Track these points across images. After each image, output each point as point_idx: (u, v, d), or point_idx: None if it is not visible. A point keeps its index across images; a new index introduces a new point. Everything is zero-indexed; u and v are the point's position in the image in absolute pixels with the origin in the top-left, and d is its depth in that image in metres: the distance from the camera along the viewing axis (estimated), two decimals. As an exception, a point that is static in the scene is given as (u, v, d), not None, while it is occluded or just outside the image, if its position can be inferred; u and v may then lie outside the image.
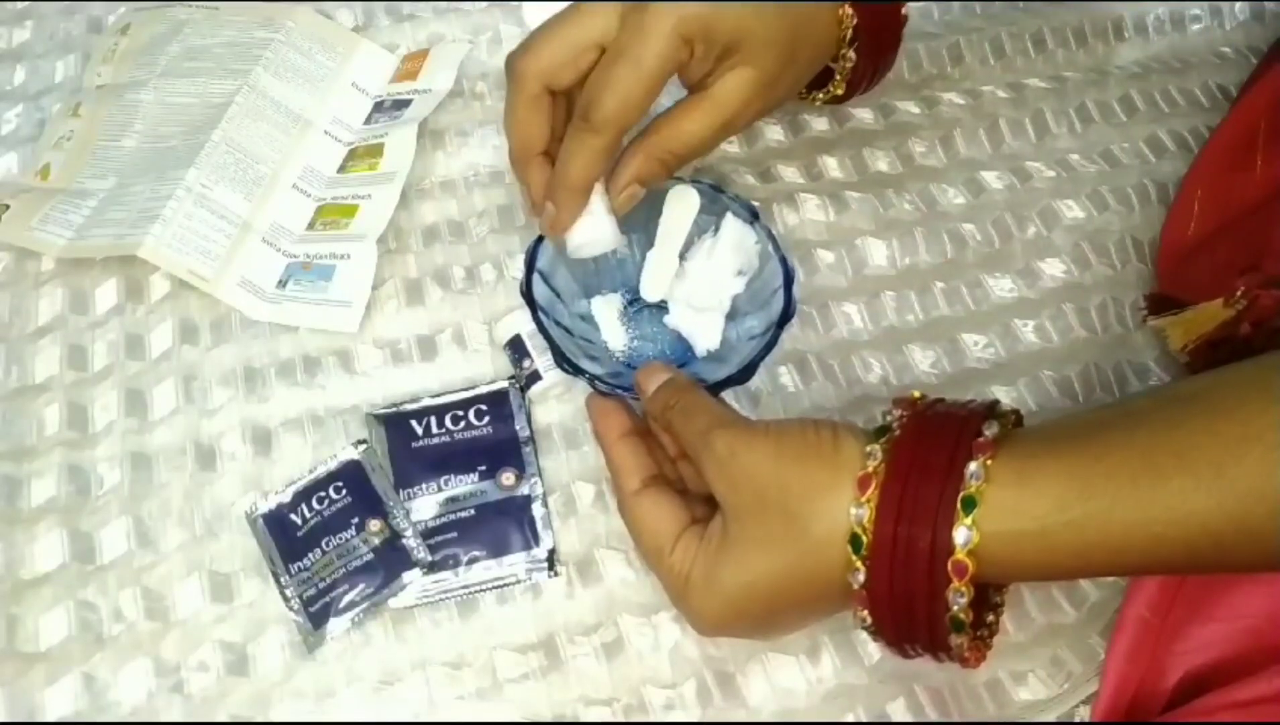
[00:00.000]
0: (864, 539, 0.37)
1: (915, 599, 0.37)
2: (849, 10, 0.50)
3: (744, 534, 0.40)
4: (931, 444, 0.37)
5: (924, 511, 0.36)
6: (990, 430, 0.37)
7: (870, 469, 0.37)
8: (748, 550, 0.40)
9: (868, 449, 0.38)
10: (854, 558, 0.37)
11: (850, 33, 0.51)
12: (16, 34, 0.68)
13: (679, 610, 0.44)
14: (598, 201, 0.49)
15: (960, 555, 0.36)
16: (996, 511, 0.36)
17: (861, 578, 0.37)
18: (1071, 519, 0.35)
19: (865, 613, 0.39)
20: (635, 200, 0.49)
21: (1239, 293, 0.48)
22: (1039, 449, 0.37)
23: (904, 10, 0.54)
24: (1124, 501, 0.35)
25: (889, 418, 0.39)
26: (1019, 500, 0.36)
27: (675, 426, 0.44)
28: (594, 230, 0.49)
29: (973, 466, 0.36)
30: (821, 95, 0.56)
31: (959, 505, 0.36)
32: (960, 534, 0.36)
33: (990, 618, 0.41)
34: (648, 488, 0.44)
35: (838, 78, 0.54)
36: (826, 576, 0.39)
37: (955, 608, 0.36)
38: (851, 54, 0.52)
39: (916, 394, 0.41)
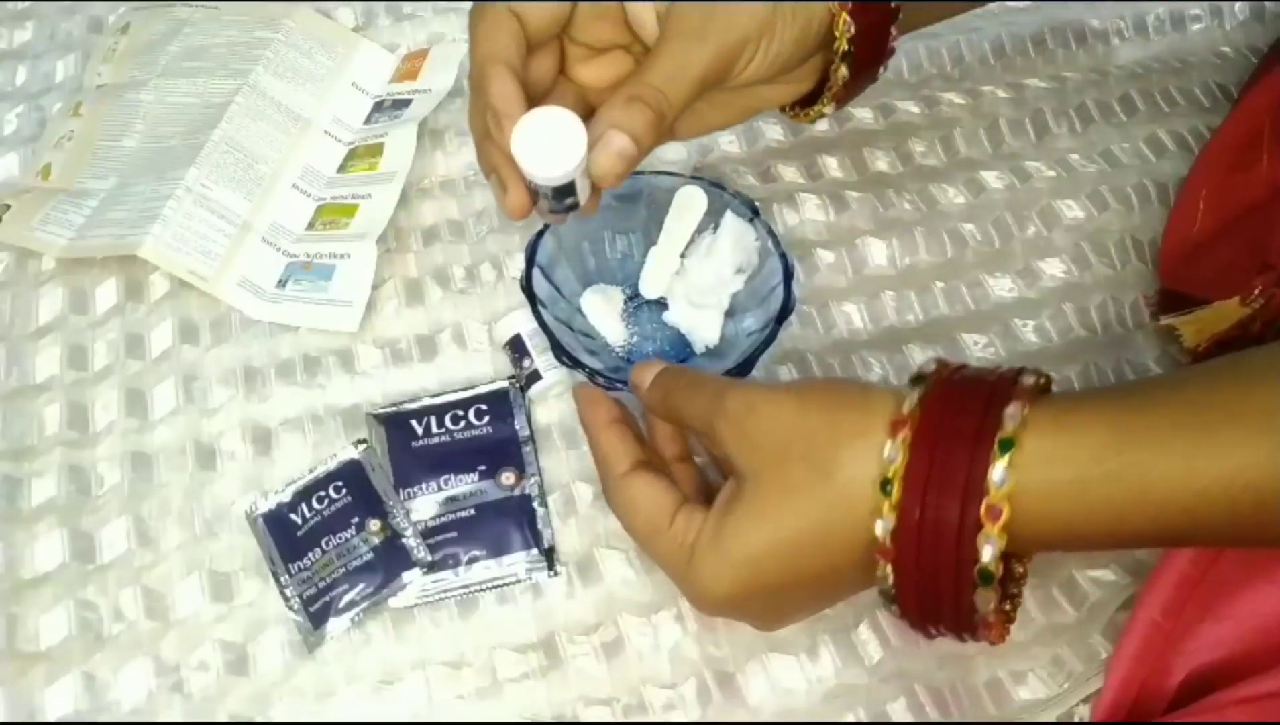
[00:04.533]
0: (894, 485, 0.35)
1: (943, 550, 0.35)
2: (847, 18, 0.44)
3: (760, 492, 0.38)
4: (969, 390, 0.36)
5: (959, 454, 0.34)
6: (1027, 380, 0.36)
7: (905, 412, 0.36)
8: (765, 507, 0.37)
9: (904, 394, 0.36)
10: (882, 501, 0.35)
11: (846, 45, 0.45)
12: (17, 34, 0.68)
13: (681, 588, 0.42)
14: (559, 110, 0.40)
15: (995, 498, 0.34)
16: (1033, 459, 0.34)
17: (889, 525, 0.35)
18: (1110, 470, 0.34)
19: (888, 568, 0.36)
20: (622, 162, 0.41)
21: (1256, 292, 0.48)
22: (1077, 401, 0.36)
23: (892, 42, 0.47)
24: (1166, 452, 0.33)
25: (924, 370, 0.38)
26: (1056, 448, 0.34)
27: (680, 405, 0.42)
28: (555, 135, 0.40)
29: (1011, 408, 0.34)
30: (814, 111, 0.49)
31: (995, 446, 0.34)
32: (996, 472, 0.34)
33: (1014, 590, 0.39)
34: (637, 469, 0.43)
35: (827, 96, 0.48)
36: (850, 533, 0.36)
37: (986, 557, 0.34)
38: (845, 70, 0.46)
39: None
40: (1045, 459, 0.34)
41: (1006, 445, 0.34)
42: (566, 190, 0.41)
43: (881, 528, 0.35)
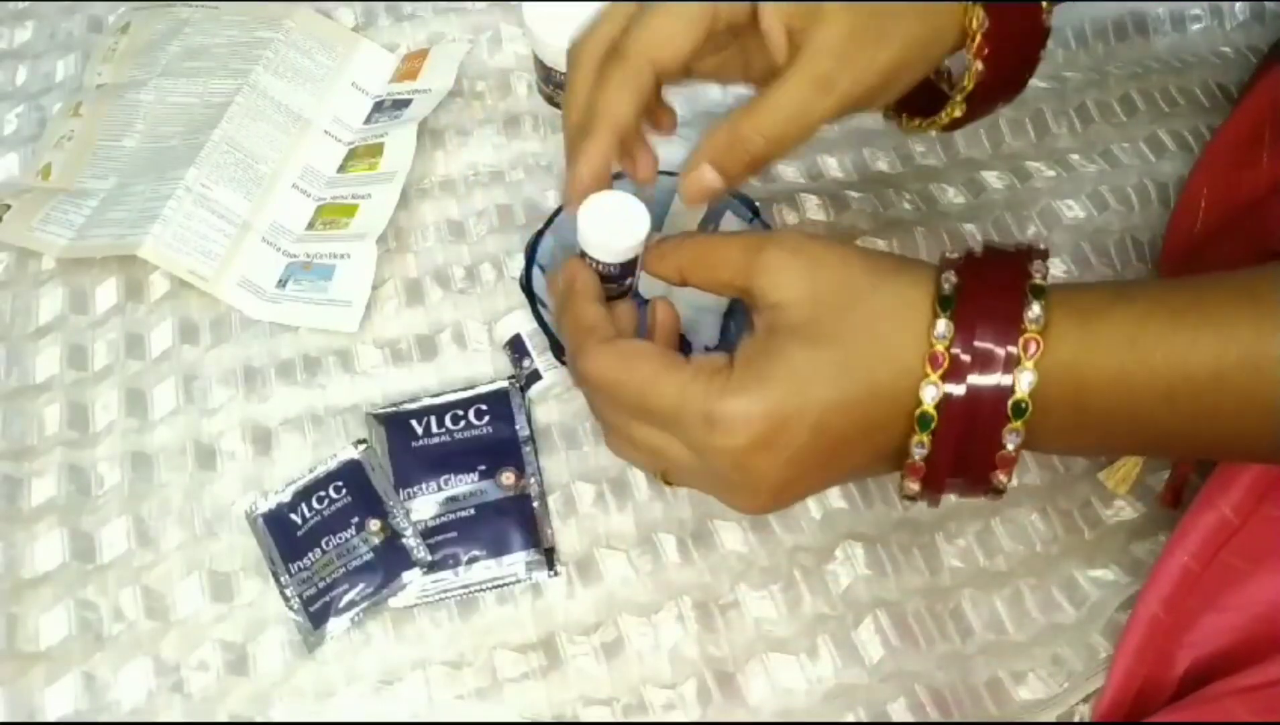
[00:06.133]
0: (945, 359, 0.34)
1: (985, 403, 0.35)
2: (980, 12, 0.42)
3: (819, 312, 0.36)
4: (999, 263, 0.37)
5: (999, 316, 0.35)
6: (1041, 246, 0.37)
7: (947, 291, 0.35)
8: (825, 323, 0.36)
9: (945, 276, 0.36)
10: (931, 374, 0.35)
11: (979, 39, 0.43)
12: (17, 34, 0.68)
13: (712, 428, 0.35)
14: (625, 196, 0.42)
15: (1031, 332, 0.34)
16: (1050, 306, 0.35)
17: (937, 393, 0.35)
18: (1112, 321, 0.35)
19: (927, 438, 0.35)
20: (703, 188, 0.41)
21: None
22: (1090, 287, 0.37)
23: (1046, 18, 0.46)
24: (1160, 306, 0.35)
25: (951, 254, 0.38)
26: (1066, 297, 0.35)
27: (708, 250, 0.39)
28: (622, 220, 0.41)
29: (1038, 263, 0.36)
30: (942, 117, 0.47)
31: (1028, 291, 0.35)
32: (1033, 310, 0.34)
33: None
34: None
35: (958, 97, 0.45)
36: (894, 399, 0.35)
37: (1023, 388, 0.34)
38: (979, 65, 0.43)
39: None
40: (1057, 304, 0.35)
41: (1038, 291, 0.35)
42: (628, 269, 0.42)
43: (928, 397, 0.35)
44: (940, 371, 0.35)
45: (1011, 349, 0.35)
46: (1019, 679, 0.47)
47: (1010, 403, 0.35)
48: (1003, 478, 0.36)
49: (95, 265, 0.57)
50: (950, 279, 0.36)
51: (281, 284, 0.56)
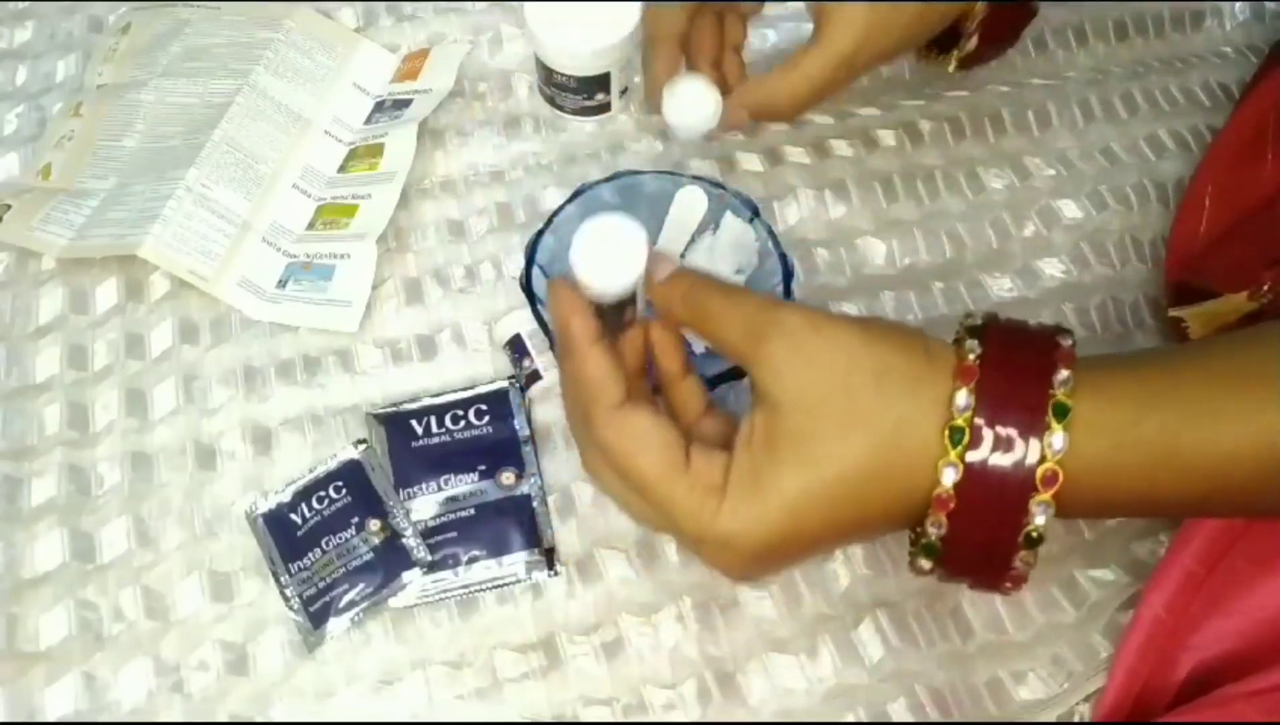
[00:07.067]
0: (966, 433, 0.33)
1: (1007, 507, 0.34)
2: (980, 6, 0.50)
3: (816, 425, 0.34)
4: (1023, 341, 0.36)
5: (1021, 413, 0.34)
6: (1066, 342, 0.35)
7: (971, 361, 0.35)
8: (821, 442, 0.34)
9: (967, 344, 0.35)
10: (950, 449, 0.34)
11: (978, 22, 0.52)
12: (17, 34, 0.68)
13: (700, 543, 0.36)
14: (701, 81, 0.51)
15: (1051, 463, 0.33)
16: (1078, 423, 0.34)
17: (958, 474, 0.34)
18: (1142, 434, 0.34)
19: (943, 518, 0.34)
20: (738, 122, 0.52)
21: (1265, 287, 0.48)
22: (1109, 368, 0.36)
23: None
24: (1194, 414, 0.34)
25: (971, 321, 0.37)
26: (1096, 412, 0.34)
27: (715, 310, 0.37)
28: (694, 102, 0.51)
29: (1063, 374, 0.34)
30: (955, 53, 0.56)
31: (1051, 412, 0.34)
32: (1057, 439, 0.33)
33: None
34: (635, 400, 0.37)
35: (970, 31, 0.54)
36: (907, 479, 0.34)
37: (1039, 520, 0.34)
38: (975, 40, 0.53)
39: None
40: (1087, 423, 0.34)
41: (1062, 411, 0.34)
42: (626, 302, 0.39)
43: (949, 478, 0.34)
44: (946, 512, 0.35)
45: (1024, 492, 0.34)
46: (1019, 679, 0.47)
47: (1022, 535, 0.34)
48: (1009, 588, 0.37)
49: (95, 265, 0.57)
50: (967, 405, 0.34)
51: (281, 284, 0.56)
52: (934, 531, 0.35)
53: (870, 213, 0.59)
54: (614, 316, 0.40)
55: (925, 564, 0.37)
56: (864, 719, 0.46)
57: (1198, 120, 0.64)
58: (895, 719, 0.46)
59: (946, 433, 0.34)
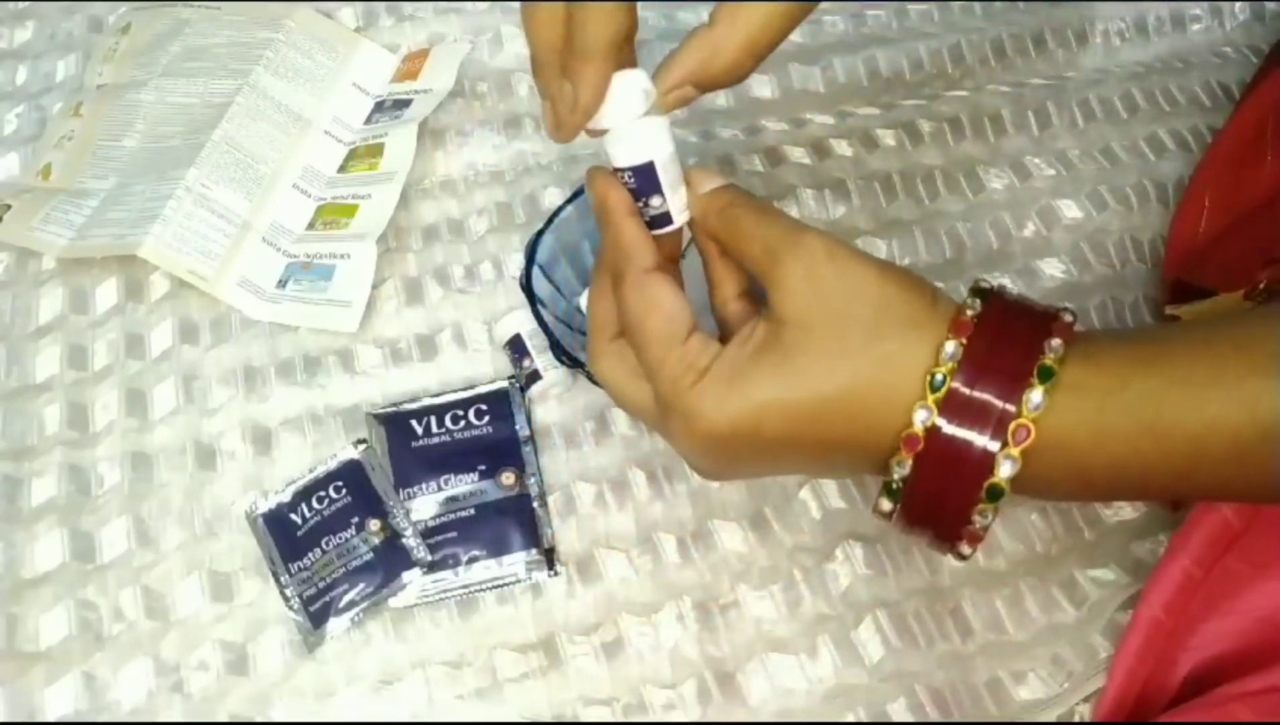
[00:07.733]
0: (946, 382, 0.34)
1: (969, 459, 0.35)
2: None
3: (808, 342, 0.36)
4: (1021, 312, 0.36)
5: (1005, 370, 0.35)
6: (1066, 317, 0.36)
7: (968, 317, 0.36)
8: (808, 358, 0.36)
9: (966, 303, 0.36)
10: (929, 394, 0.35)
11: None
12: (17, 34, 0.68)
13: (668, 414, 0.38)
14: (638, 93, 0.38)
15: (1026, 417, 0.34)
16: (1062, 385, 0.35)
17: (930, 419, 0.35)
18: (1128, 398, 0.34)
19: (909, 461, 0.35)
20: (685, 102, 0.41)
21: (1261, 286, 0.48)
22: (1105, 333, 0.37)
23: None
24: (1178, 381, 0.34)
25: (982, 283, 0.37)
26: (1083, 374, 0.35)
27: (746, 224, 0.38)
28: (633, 127, 0.39)
29: (1055, 342, 0.35)
30: None
31: (1036, 372, 0.34)
32: (1035, 395, 0.34)
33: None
34: (663, 270, 0.39)
35: None
36: (882, 415, 0.35)
37: (1003, 473, 0.34)
38: None
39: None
40: (1071, 386, 0.35)
41: (1046, 373, 0.34)
42: (649, 183, 0.39)
43: (921, 419, 0.35)
44: (914, 452, 0.35)
45: (992, 446, 0.34)
46: (1019, 679, 0.47)
47: (986, 486, 0.35)
48: (966, 549, 0.37)
49: (95, 265, 0.57)
50: (953, 355, 0.35)
51: (281, 284, 0.56)
52: (898, 472, 0.36)
53: (870, 213, 0.59)
54: (644, 209, 0.39)
55: (886, 505, 0.37)
56: (864, 719, 0.46)
57: (1198, 120, 0.64)
58: (895, 719, 0.46)
59: (927, 378, 0.35)
